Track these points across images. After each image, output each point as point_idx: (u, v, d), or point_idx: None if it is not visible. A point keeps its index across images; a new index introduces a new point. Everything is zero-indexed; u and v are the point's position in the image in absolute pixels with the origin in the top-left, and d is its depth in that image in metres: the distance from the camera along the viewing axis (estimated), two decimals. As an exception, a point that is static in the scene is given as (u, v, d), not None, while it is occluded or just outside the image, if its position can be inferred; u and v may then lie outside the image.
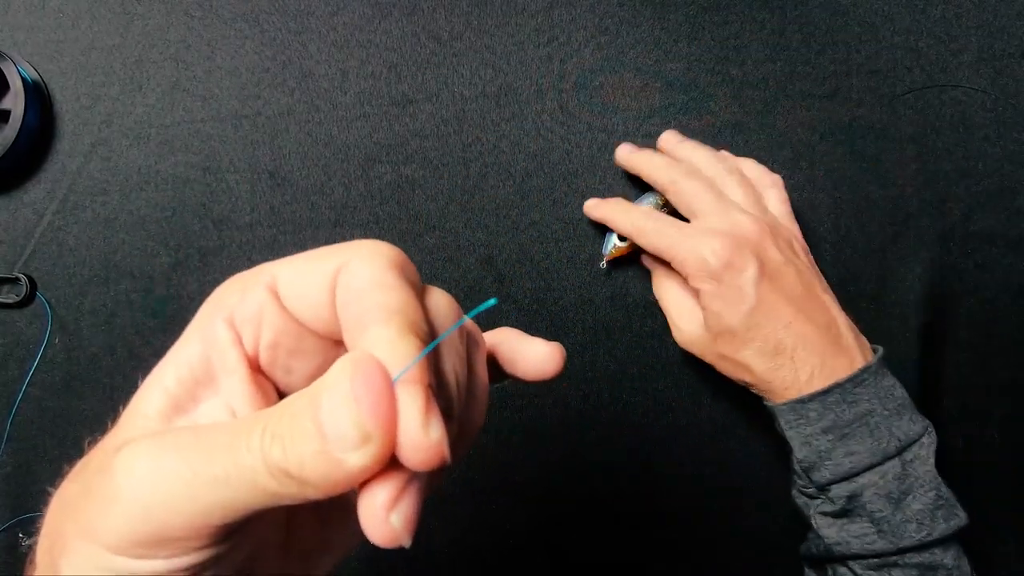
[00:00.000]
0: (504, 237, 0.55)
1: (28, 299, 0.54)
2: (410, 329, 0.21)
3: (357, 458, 0.19)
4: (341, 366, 0.19)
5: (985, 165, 0.55)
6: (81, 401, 0.54)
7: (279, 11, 0.56)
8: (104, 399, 0.54)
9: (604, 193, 0.55)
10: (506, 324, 0.54)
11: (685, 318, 0.51)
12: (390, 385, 0.19)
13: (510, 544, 0.54)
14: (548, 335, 0.55)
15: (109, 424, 0.25)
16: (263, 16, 0.56)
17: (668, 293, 0.53)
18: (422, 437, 0.19)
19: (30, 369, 0.54)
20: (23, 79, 0.52)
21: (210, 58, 0.56)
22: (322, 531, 0.27)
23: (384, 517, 0.20)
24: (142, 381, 0.25)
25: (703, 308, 0.48)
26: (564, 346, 0.29)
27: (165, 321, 0.54)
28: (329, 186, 0.55)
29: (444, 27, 0.56)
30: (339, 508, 0.27)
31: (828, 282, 0.49)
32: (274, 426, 0.20)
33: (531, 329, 0.55)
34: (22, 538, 0.53)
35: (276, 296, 0.24)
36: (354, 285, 0.22)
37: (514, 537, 0.54)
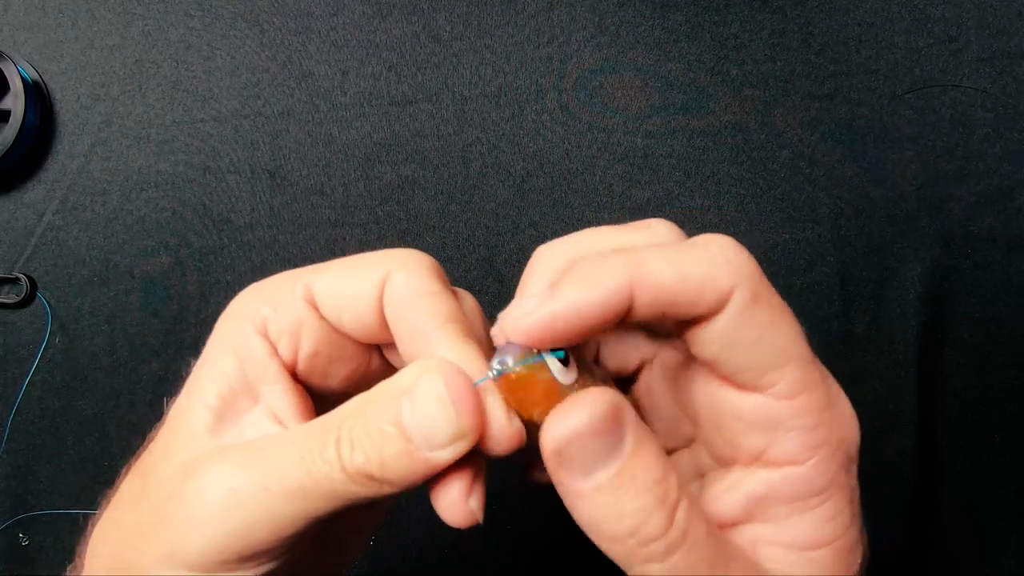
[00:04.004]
0: (504, 237, 0.55)
1: (28, 299, 0.54)
2: (466, 333, 0.23)
3: (446, 454, 0.21)
4: (421, 373, 0.21)
5: (985, 165, 0.55)
6: (81, 401, 0.54)
7: (279, 11, 0.56)
8: (104, 399, 0.54)
9: (604, 193, 0.55)
10: (506, 324, 0.54)
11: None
12: (474, 388, 0.21)
13: (511, 543, 0.54)
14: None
15: (140, 449, 0.26)
16: (263, 16, 0.56)
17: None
18: (508, 428, 0.21)
19: (30, 369, 0.54)
20: (23, 79, 0.52)
21: (210, 58, 0.56)
22: (351, 518, 0.28)
23: (463, 503, 0.22)
24: (169, 405, 0.25)
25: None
26: None
27: (165, 321, 0.54)
28: (329, 186, 0.55)
29: (444, 27, 0.56)
30: None
31: (828, 282, 0.49)
32: (349, 433, 0.21)
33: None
34: (22, 537, 0.53)
35: (314, 307, 0.25)
36: (403, 295, 0.24)
37: (515, 537, 0.54)
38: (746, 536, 0.22)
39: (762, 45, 0.56)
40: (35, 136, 0.54)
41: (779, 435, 0.21)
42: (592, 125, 0.55)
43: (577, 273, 0.20)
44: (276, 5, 0.56)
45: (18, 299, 0.54)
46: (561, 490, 0.21)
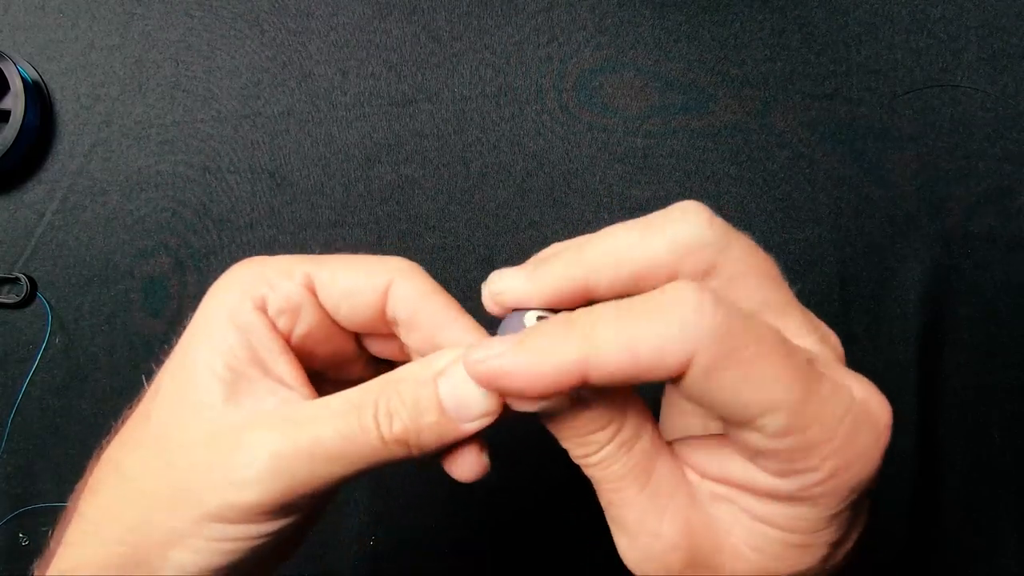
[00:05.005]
0: (504, 237, 0.55)
1: (28, 299, 0.54)
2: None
3: (475, 425, 0.25)
4: (455, 356, 0.25)
5: (985, 165, 0.55)
6: (81, 401, 0.54)
7: (279, 11, 0.56)
8: (104, 399, 0.54)
9: (604, 193, 0.55)
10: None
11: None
12: None
13: (512, 542, 0.54)
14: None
15: (120, 420, 0.27)
16: (263, 16, 0.56)
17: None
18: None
19: (30, 369, 0.54)
20: (23, 79, 0.52)
21: (210, 58, 0.56)
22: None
23: (479, 458, 0.26)
24: (149, 382, 0.27)
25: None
26: None
27: (165, 321, 0.54)
28: (329, 186, 0.55)
29: (444, 27, 0.56)
30: None
31: (828, 282, 0.49)
32: (386, 406, 0.24)
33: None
34: (22, 537, 0.53)
35: (312, 293, 0.28)
36: (415, 294, 0.27)
37: (516, 536, 0.54)
38: (711, 488, 0.24)
39: (762, 45, 0.56)
40: (35, 136, 0.54)
41: (762, 459, 0.22)
42: (592, 125, 0.55)
43: (531, 344, 0.21)
44: (276, 5, 0.56)
45: (18, 299, 0.54)
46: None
